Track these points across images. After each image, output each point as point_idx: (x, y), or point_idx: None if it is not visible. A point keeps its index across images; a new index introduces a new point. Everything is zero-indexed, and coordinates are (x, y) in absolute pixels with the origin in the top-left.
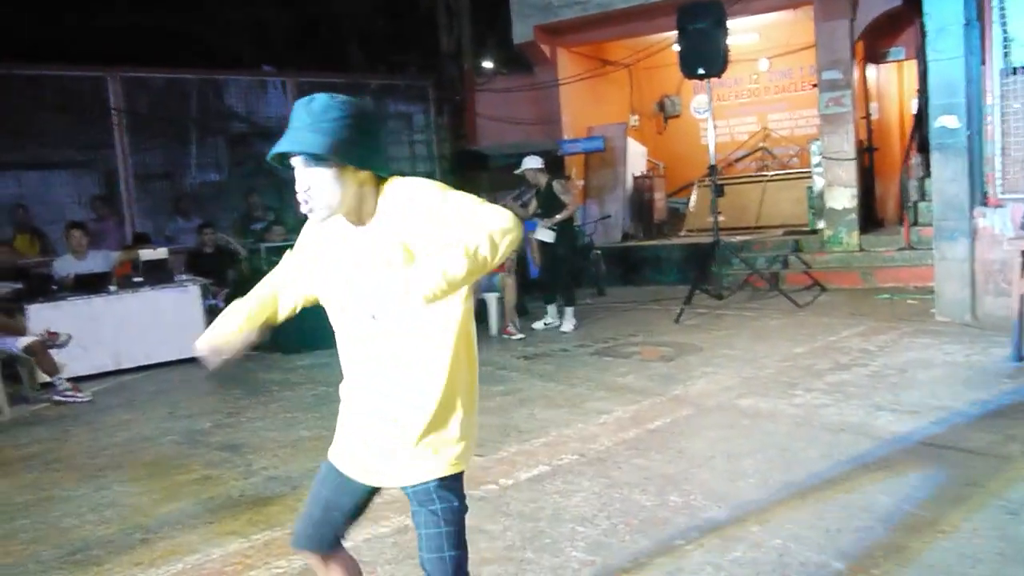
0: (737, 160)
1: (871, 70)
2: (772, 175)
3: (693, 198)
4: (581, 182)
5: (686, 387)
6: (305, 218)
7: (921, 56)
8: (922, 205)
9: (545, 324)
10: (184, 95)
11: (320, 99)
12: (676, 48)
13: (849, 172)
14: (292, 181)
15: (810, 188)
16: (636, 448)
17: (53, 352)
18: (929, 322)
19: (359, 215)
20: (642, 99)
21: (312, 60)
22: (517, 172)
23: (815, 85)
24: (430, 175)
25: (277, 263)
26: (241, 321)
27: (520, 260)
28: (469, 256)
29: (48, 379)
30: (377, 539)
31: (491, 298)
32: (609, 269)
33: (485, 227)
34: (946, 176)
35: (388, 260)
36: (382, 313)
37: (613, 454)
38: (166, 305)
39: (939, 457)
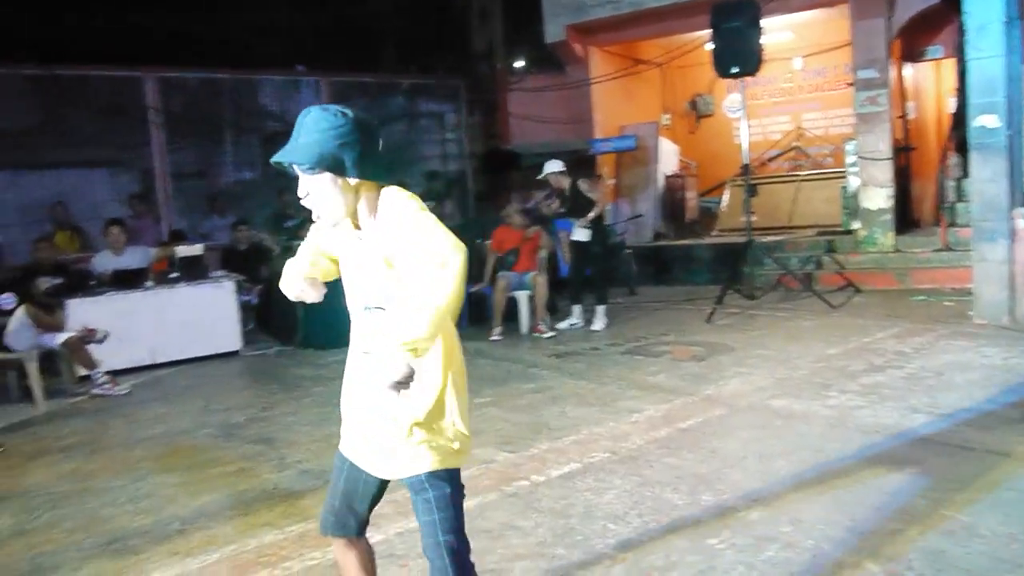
0: (770, 159)
1: (908, 68)
2: (805, 175)
3: (725, 197)
4: (612, 181)
5: (718, 387)
6: None
7: (960, 54)
8: (960, 206)
9: (571, 324)
10: (218, 95)
11: (314, 111)
12: (709, 47)
13: (885, 172)
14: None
15: (844, 188)
16: (668, 447)
17: (90, 347)
18: (966, 324)
19: (357, 220)
20: (674, 98)
21: (345, 60)
22: (539, 177)
23: (850, 84)
24: (461, 174)
25: None
26: (307, 265)
27: (551, 258)
28: (430, 310)
29: (87, 372)
30: (409, 533)
31: (521, 296)
32: (640, 268)
33: (435, 263)
34: (985, 176)
35: (376, 268)
36: (374, 351)
37: (645, 452)
38: (201, 301)
39: (976, 461)
